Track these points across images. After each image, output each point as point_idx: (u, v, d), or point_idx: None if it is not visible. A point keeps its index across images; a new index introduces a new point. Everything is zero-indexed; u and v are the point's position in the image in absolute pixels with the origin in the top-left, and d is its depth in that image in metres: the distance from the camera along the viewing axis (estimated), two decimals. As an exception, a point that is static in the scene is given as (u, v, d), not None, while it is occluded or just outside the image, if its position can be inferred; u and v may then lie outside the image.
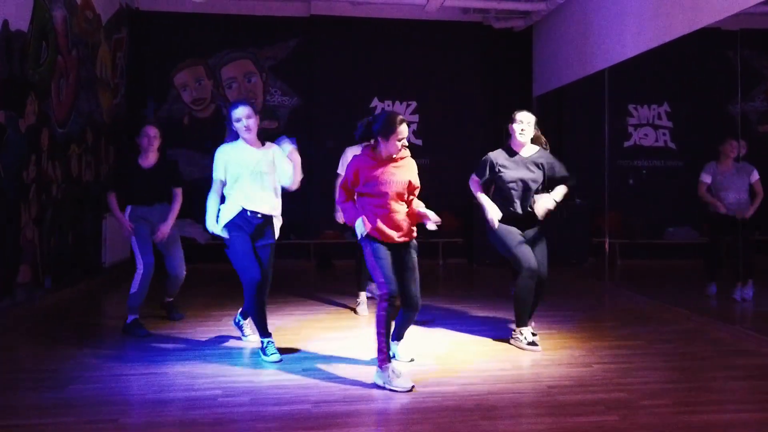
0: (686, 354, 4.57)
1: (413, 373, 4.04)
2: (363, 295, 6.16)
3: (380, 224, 3.94)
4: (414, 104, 10.19)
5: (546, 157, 4.95)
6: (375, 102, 10.16)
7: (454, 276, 8.33)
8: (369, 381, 3.86)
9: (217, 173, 4.55)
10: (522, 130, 4.88)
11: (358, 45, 10.04)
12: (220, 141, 4.85)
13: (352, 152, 6.07)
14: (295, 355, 4.50)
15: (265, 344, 4.41)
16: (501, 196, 4.86)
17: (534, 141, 5.00)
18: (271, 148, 4.70)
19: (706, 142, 9.42)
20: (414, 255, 4.08)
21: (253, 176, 4.49)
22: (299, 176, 4.68)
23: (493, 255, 9.54)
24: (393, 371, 3.78)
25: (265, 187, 4.54)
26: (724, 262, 6.69)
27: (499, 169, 4.84)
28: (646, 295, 6.62)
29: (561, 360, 4.37)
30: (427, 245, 9.40)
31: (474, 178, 4.98)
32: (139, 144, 5.66)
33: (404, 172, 4.03)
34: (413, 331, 5.16)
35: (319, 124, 10.01)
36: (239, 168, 4.47)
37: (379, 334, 3.82)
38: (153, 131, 5.67)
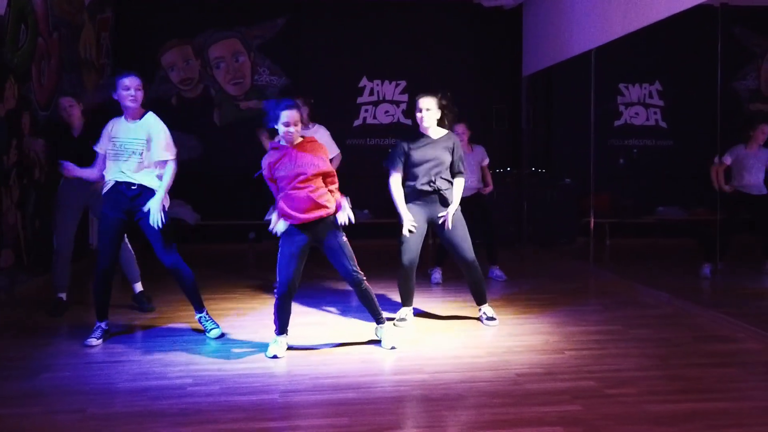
0: (662, 340, 4.58)
1: (390, 360, 4.06)
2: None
3: (283, 205, 4.17)
4: (403, 83, 10.10)
5: (453, 141, 5.00)
6: (364, 81, 10.09)
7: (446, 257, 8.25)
8: (342, 371, 3.88)
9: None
10: (422, 117, 4.89)
11: (347, 24, 9.93)
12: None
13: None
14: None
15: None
16: (411, 177, 4.91)
17: (440, 124, 5.00)
18: None
19: (698, 121, 9.42)
20: (334, 234, 4.26)
21: None
22: None
23: (479, 235, 9.62)
24: (276, 341, 4.22)
25: None
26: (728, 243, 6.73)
27: (409, 153, 4.88)
28: (630, 278, 6.62)
29: (535, 346, 4.39)
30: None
31: (392, 173, 4.95)
32: (60, 116, 5.69)
33: (304, 154, 4.18)
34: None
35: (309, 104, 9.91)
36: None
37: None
38: (67, 101, 5.64)
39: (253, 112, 9.86)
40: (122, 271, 5.60)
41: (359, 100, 10.05)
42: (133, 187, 4.51)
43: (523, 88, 9.97)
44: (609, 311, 5.44)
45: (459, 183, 4.98)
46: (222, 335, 4.64)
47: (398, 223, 4.88)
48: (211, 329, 4.67)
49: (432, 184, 4.85)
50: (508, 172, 9.92)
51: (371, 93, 10.10)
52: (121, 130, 4.61)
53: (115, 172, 4.54)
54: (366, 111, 10.07)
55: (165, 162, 4.58)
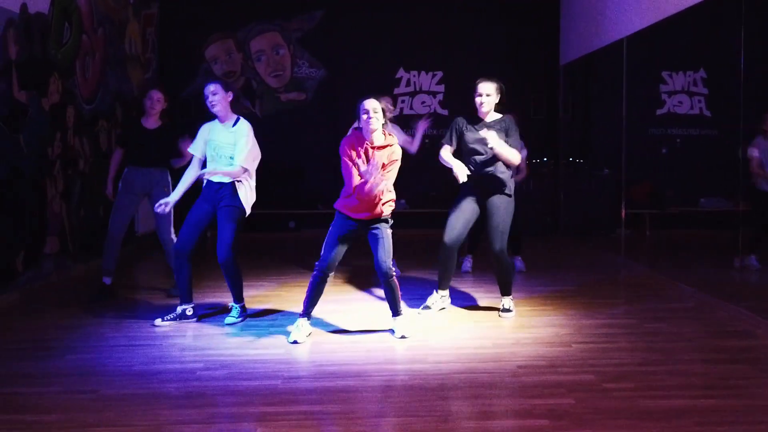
0: (674, 334, 4.55)
1: (396, 349, 4.17)
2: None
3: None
4: (440, 74, 10.12)
5: (507, 123, 5.07)
6: (401, 72, 10.15)
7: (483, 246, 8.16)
8: (347, 359, 4.01)
9: None
10: (481, 102, 4.97)
11: (383, 15, 9.99)
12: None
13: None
14: (285, 328, 4.68)
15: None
16: (465, 159, 4.96)
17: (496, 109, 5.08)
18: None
19: (744, 110, 9.12)
20: (382, 224, 4.45)
21: None
22: None
23: (524, 223, 9.58)
24: (299, 324, 4.39)
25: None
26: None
27: (463, 133, 4.98)
28: (661, 270, 6.53)
29: (543, 339, 4.42)
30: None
31: (443, 146, 5.05)
32: (143, 105, 5.82)
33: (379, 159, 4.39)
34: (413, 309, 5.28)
35: (345, 96, 10.03)
36: None
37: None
38: (157, 95, 5.76)
39: (293, 103, 10.06)
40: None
41: (396, 90, 10.12)
42: (221, 185, 4.79)
43: (560, 77, 9.85)
44: (629, 304, 5.40)
45: (512, 150, 4.93)
46: (233, 324, 4.81)
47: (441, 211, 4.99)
48: (230, 317, 4.88)
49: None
50: (545, 162, 9.83)
51: (408, 84, 10.16)
52: (217, 134, 4.81)
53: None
54: (403, 102, 10.13)
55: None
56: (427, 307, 5.15)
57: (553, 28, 9.85)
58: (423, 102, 10.17)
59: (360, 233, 4.43)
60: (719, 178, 9.41)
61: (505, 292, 5.11)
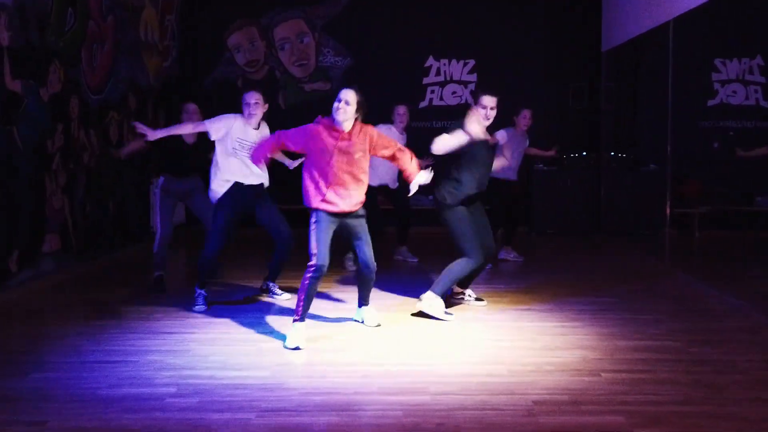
0: (725, 363, 3.91)
1: (394, 374, 3.66)
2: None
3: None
4: (472, 63, 9.54)
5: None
6: (430, 61, 9.60)
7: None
8: (337, 386, 3.51)
9: None
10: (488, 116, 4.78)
11: (412, 0, 9.43)
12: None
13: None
14: (279, 343, 4.22)
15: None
16: (467, 178, 4.83)
17: None
18: None
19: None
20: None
21: None
22: None
23: (554, 224, 8.97)
24: (298, 329, 4.17)
25: None
26: None
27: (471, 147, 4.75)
28: (709, 279, 5.86)
29: (569, 365, 3.84)
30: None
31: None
32: (181, 119, 5.80)
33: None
34: (422, 321, 4.77)
35: (372, 85, 9.52)
36: None
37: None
38: (192, 107, 5.81)
39: (317, 94, 9.59)
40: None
41: (425, 80, 9.59)
42: (257, 186, 5.17)
43: (603, 63, 9.13)
44: (671, 322, 4.76)
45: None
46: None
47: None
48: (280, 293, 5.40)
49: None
50: (585, 156, 9.16)
51: (438, 73, 9.59)
52: (243, 132, 5.09)
53: (234, 171, 5.07)
54: (432, 92, 9.59)
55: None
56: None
57: (595, 11, 9.14)
58: (454, 92, 9.60)
59: (340, 227, 4.38)
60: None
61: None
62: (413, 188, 4.48)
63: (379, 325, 4.61)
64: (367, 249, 4.42)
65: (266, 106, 5.19)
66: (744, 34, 8.95)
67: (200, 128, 5.18)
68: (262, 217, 5.26)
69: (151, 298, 5.48)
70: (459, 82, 9.60)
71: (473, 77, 9.55)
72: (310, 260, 4.20)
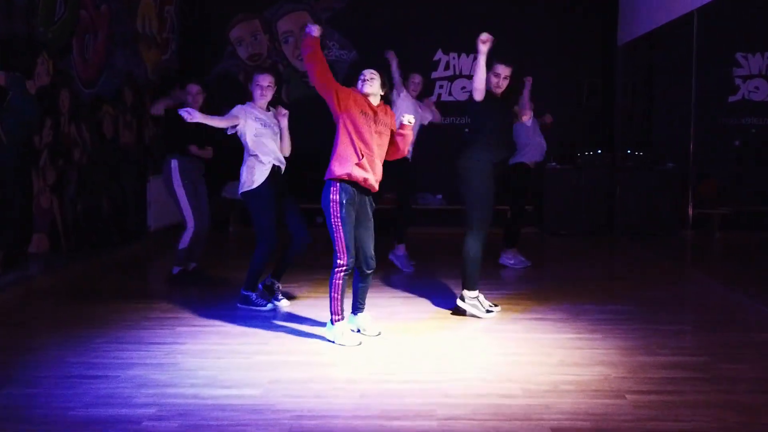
0: (761, 382, 3.56)
1: (397, 393, 3.33)
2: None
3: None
4: (482, 56, 9.15)
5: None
6: (439, 54, 9.26)
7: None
8: (333, 408, 3.18)
9: None
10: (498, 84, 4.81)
11: (420, -9, 9.10)
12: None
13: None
14: (274, 356, 3.90)
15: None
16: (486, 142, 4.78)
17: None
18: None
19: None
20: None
21: None
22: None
23: (567, 225, 8.61)
24: (346, 327, 4.12)
25: None
26: None
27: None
28: (735, 285, 5.49)
29: (589, 385, 3.49)
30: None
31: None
32: (184, 101, 5.79)
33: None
34: (426, 329, 4.44)
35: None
36: None
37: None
38: (195, 88, 5.82)
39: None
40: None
41: (434, 75, 9.24)
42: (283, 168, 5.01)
43: (618, 58, 8.75)
44: (698, 334, 4.42)
45: None
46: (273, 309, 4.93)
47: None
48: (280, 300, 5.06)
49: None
50: (600, 154, 8.80)
51: (447, 67, 9.26)
52: (259, 113, 4.94)
53: (269, 152, 4.90)
54: (441, 87, 9.27)
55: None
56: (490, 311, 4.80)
57: (611, 3, 8.76)
58: (463, 87, 9.25)
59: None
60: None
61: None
62: (407, 121, 4.26)
63: (379, 334, 4.31)
64: (369, 241, 4.21)
65: (275, 87, 5.14)
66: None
67: (233, 120, 4.87)
68: (285, 210, 5.03)
69: (144, 302, 5.17)
70: (469, 77, 9.21)
71: (483, 72, 9.17)
72: (336, 258, 4.04)
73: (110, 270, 6.51)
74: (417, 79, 6.84)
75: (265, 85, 4.93)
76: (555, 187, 8.69)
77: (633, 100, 9.03)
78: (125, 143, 7.54)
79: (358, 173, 4.06)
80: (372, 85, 4.16)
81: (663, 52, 8.77)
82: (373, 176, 4.14)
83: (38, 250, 5.82)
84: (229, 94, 9.57)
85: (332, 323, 4.12)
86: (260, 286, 5.04)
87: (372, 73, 4.19)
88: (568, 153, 8.90)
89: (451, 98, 9.26)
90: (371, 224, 4.25)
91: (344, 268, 4.05)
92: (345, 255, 4.04)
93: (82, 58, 6.57)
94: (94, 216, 6.80)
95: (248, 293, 4.96)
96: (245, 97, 5.08)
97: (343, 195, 4.06)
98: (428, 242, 7.89)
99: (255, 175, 4.89)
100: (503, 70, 4.75)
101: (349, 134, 4.10)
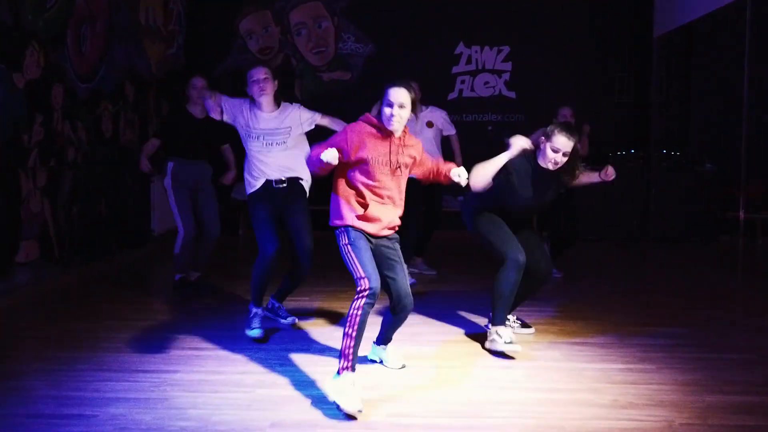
0: None
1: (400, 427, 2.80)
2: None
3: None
4: (506, 50, 8.67)
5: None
6: (461, 48, 8.77)
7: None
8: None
9: None
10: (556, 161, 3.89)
11: (441, -20, 8.60)
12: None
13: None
14: (278, 390, 3.38)
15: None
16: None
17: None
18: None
19: None
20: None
21: None
22: None
23: (597, 230, 8.05)
24: (351, 383, 3.15)
25: None
26: None
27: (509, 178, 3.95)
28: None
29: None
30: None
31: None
32: (188, 95, 5.49)
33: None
34: (454, 358, 3.91)
35: (396, 76, 8.64)
36: None
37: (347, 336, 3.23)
38: (200, 82, 5.46)
39: (337, 84, 8.76)
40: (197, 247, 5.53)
41: (455, 69, 8.78)
42: (282, 185, 4.32)
43: (654, 51, 8.25)
44: (763, 364, 3.84)
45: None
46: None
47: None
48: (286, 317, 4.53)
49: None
50: (633, 154, 8.26)
51: (469, 61, 8.76)
52: (258, 119, 4.30)
53: (263, 168, 4.31)
54: (462, 82, 8.79)
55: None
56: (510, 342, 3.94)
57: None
58: (486, 82, 8.73)
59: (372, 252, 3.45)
60: None
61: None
62: (459, 178, 3.51)
63: (403, 367, 3.75)
64: (403, 280, 3.48)
65: (276, 82, 4.36)
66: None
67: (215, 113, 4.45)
68: (292, 230, 4.35)
69: (139, 318, 4.68)
70: (492, 71, 8.74)
71: (507, 66, 8.68)
72: (357, 286, 3.24)
73: (107, 280, 6.04)
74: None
75: (261, 78, 4.24)
76: (584, 189, 8.11)
77: (669, 96, 8.47)
78: (126, 142, 7.07)
79: (363, 225, 3.39)
80: (401, 119, 3.34)
81: (703, 43, 8.21)
82: (385, 221, 3.42)
83: (27, 258, 5.35)
84: (239, 91, 9.08)
85: (338, 372, 3.23)
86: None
87: (401, 100, 3.30)
88: (598, 153, 8.35)
89: (473, 94, 8.76)
90: (399, 262, 3.49)
91: (367, 292, 3.21)
92: (365, 277, 3.24)
93: (77, 50, 6.10)
94: (91, 220, 6.33)
95: (252, 308, 4.40)
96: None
97: (355, 235, 3.38)
98: (449, 246, 7.38)
99: (246, 182, 4.38)
100: (565, 145, 3.83)
101: (352, 183, 3.41)
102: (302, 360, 3.84)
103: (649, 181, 8.21)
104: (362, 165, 3.37)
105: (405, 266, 3.56)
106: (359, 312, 3.19)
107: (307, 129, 4.43)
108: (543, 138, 3.87)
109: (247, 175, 4.39)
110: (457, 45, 8.72)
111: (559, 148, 3.81)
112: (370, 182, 3.37)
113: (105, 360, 3.84)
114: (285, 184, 4.32)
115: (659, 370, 3.70)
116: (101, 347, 4.06)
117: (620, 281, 5.97)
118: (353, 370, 3.20)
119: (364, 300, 3.19)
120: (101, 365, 3.76)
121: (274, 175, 4.29)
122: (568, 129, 3.85)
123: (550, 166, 3.88)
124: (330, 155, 3.21)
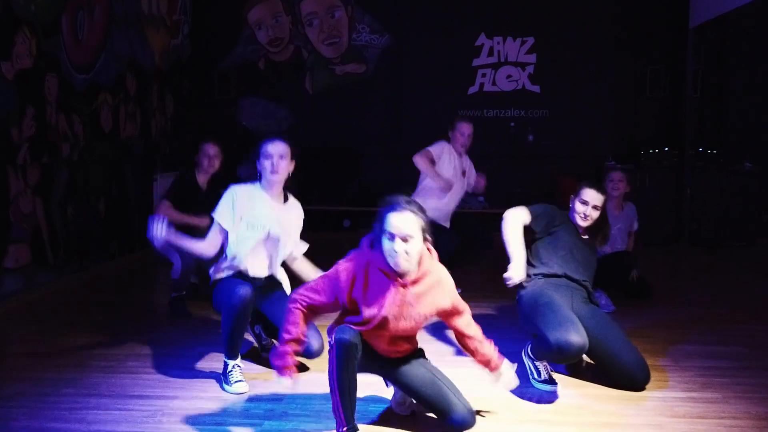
0: None
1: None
2: None
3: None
4: (530, 41, 8.25)
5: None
6: (482, 39, 8.36)
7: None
8: None
9: None
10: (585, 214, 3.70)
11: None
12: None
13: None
14: (287, 421, 2.92)
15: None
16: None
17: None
18: None
19: None
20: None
21: None
22: None
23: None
24: None
25: None
26: None
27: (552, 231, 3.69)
28: None
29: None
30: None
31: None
32: (197, 162, 5.13)
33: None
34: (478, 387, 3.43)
35: (413, 69, 8.28)
36: None
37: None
38: (213, 150, 5.10)
39: (350, 77, 8.33)
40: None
41: (476, 62, 8.33)
42: (258, 284, 3.51)
43: (689, 43, 7.79)
44: None
45: None
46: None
47: None
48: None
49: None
50: (666, 152, 7.82)
51: (490, 53, 8.33)
52: (259, 207, 3.51)
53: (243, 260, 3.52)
54: (483, 75, 8.35)
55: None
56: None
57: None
58: (509, 76, 8.29)
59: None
60: None
61: None
62: (504, 382, 2.98)
63: (413, 414, 3.09)
64: (444, 391, 2.84)
65: (293, 163, 3.57)
66: None
67: (216, 239, 3.57)
68: (270, 312, 3.59)
69: (138, 331, 4.25)
70: (515, 64, 8.29)
71: (531, 58, 8.23)
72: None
73: (105, 287, 5.61)
74: (465, 129, 5.26)
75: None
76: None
77: (704, 91, 8.02)
78: (127, 137, 6.65)
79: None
80: (410, 257, 2.62)
81: (742, 35, 7.77)
82: (395, 353, 2.84)
83: (17, 263, 4.93)
84: (246, 85, 8.73)
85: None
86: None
87: (408, 231, 2.57)
88: (629, 150, 7.92)
89: (495, 88, 8.33)
90: (439, 381, 2.85)
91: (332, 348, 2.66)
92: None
93: (74, 39, 5.68)
94: (88, 222, 5.90)
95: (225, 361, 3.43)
96: (262, 87, 3.88)
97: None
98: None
99: (217, 272, 3.59)
100: (594, 198, 3.64)
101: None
102: (312, 380, 3.39)
103: (683, 181, 7.77)
104: (350, 313, 2.77)
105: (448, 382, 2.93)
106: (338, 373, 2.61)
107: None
108: (572, 196, 3.77)
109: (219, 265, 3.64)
110: (478, 36, 8.30)
111: (587, 200, 3.65)
112: (371, 336, 2.76)
113: (94, 382, 3.40)
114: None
115: (725, 400, 3.22)
116: (91, 366, 3.63)
117: (661, 290, 5.47)
118: (352, 428, 2.66)
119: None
120: (90, 389, 3.32)
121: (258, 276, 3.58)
122: (597, 183, 3.76)
123: (580, 221, 3.68)
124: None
